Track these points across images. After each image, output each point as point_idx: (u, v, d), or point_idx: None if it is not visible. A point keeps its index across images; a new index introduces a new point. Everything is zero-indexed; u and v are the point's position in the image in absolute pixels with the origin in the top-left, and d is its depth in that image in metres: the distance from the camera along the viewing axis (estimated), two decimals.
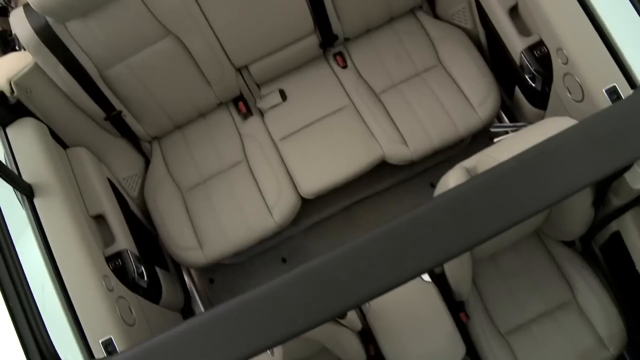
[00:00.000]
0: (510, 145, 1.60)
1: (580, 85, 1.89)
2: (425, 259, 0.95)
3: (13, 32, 2.02)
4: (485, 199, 1.00)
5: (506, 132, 2.25)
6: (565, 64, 1.94)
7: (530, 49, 2.11)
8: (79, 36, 1.97)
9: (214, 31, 2.15)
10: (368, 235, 1.00)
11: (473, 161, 1.69)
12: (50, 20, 1.89)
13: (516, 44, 2.14)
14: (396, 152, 2.32)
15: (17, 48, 2.06)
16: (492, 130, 2.09)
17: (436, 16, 2.55)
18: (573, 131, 1.12)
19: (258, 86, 2.48)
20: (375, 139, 2.32)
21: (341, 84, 2.43)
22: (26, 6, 1.90)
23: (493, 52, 2.46)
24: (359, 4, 2.31)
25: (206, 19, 2.11)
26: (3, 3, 1.98)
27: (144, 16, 1.99)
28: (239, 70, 2.38)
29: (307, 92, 2.44)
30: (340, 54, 2.48)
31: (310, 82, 2.46)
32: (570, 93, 1.97)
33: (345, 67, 2.46)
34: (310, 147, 2.36)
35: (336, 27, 2.36)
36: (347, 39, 2.47)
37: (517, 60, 2.18)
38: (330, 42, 2.41)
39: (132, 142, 2.47)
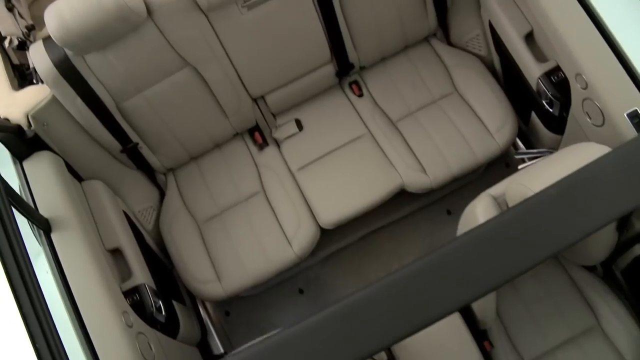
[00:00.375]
0: (541, 173, 1.57)
1: (601, 110, 1.87)
2: (470, 292, 0.92)
3: (31, 66, 2.04)
4: (528, 228, 0.98)
5: (527, 159, 2.24)
6: (585, 89, 1.93)
7: (547, 74, 2.11)
8: (98, 68, 1.98)
9: (231, 62, 2.15)
10: (406, 269, 0.97)
11: (500, 189, 1.66)
12: (69, 53, 1.90)
13: (533, 70, 2.14)
14: (415, 180, 2.30)
15: (34, 82, 2.06)
16: (517, 157, 2.08)
17: (450, 43, 2.56)
18: (611, 158, 1.10)
19: (274, 116, 2.47)
20: (394, 168, 2.30)
21: (357, 112, 2.43)
22: (46, 40, 1.92)
23: (508, 78, 2.46)
24: (375, 33, 2.32)
25: (224, 49, 2.11)
26: (22, 37, 2.00)
27: (162, 48, 2.00)
28: (255, 100, 2.38)
29: (324, 121, 2.44)
30: (356, 82, 2.48)
31: (327, 111, 2.46)
32: (590, 118, 1.95)
33: (361, 95, 2.46)
34: (328, 176, 2.34)
35: (352, 55, 2.36)
36: (362, 68, 2.47)
37: (534, 86, 2.17)
38: (346, 71, 2.42)
39: (147, 174, 2.46)
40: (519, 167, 1.87)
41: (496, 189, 1.67)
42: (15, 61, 2.14)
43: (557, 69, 2.10)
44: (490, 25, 2.31)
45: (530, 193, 1.42)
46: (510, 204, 1.63)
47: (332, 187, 2.32)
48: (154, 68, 2.05)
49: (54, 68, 1.91)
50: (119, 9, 1.79)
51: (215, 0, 1.93)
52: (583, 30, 1.89)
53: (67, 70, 1.92)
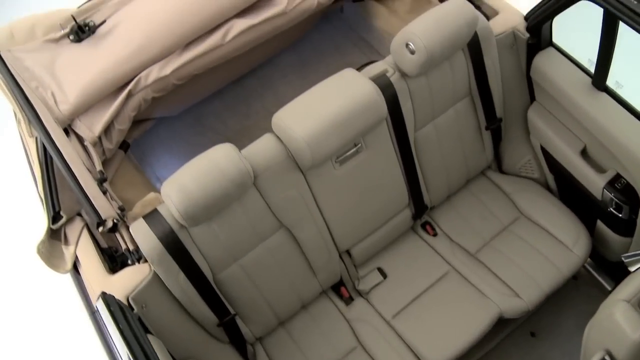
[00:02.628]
0: None
1: None
2: None
3: (123, 247, 2.04)
4: None
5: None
6: None
7: (610, 183, 2.25)
8: (201, 240, 1.99)
9: (324, 218, 2.22)
10: None
11: (629, 291, 1.66)
12: (175, 227, 1.91)
13: (597, 182, 2.28)
14: (512, 306, 2.30)
15: (129, 263, 2.09)
16: (626, 260, 2.12)
17: (502, 172, 2.74)
18: None
19: (355, 268, 2.53)
20: (488, 297, 2.32)
21: (436, 252, 2.50)
22: (147, 216, 1.94)
23: (564, 194, 2.60)
24: (443, 171, 2.48)
25: (317, 206, 2.19)
26: (117, 219, 2.06)
27: (262, 212, 2.06)
28: (340, 254, 2.46)
29: (406, 266, 2.48)
30: (428, 223, 2.59)
31: (406, 255, 2.51)
32: None
33: (435, 235, 2.55)
34: (425, 319, 2.31)
35: (425, 197, 2.50)
36: (431, 208, 2.60)
37: (599, 196, 2.30)
38: (421, 213, 2.53)
39: (238, 348, 2.42)
40: (633, 268, 1.90)
41: (625, 292, 1.68)
42: (104, 245, 2.16)
43: (618, 176, 2.25)
44: (542, 149, 2.50)
45: None
46: None
47: (432, 329, 2.29)
48: (252, 234, 2.08)
49: (160, 243, 1.90)
50: (240, 174, 1.84)
51: (318, 158, 2.01)
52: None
53: (172, 245, 1.92)
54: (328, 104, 1.97)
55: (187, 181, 1.81)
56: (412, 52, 2.00)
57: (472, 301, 2.33)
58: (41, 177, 2.13)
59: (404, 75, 2.13)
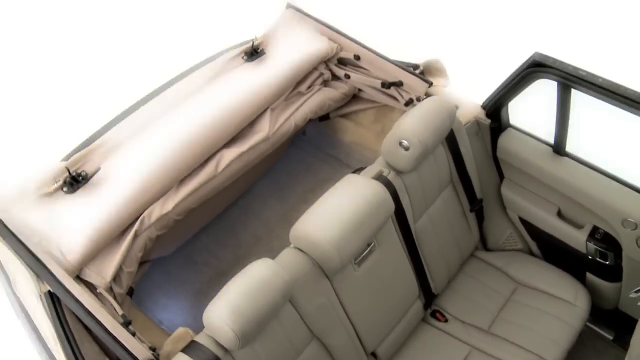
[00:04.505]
0: None
1: None
2: None
3: None
4: None
5: None
6: (635, 229, 2.30)
7: (591, 235, 2.49)
8: None
9: (351, 321, 2.25)
10: None
11: None
12: (220, 353, 1.87)
13: (578, 237, 2.51)
14: None
15: None
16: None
17: (488, 250, 2.93)
18: None
19: None
20: None
21: (453, 336, 2.55)
22: (186, 349, 1.88)
23: (549, 256, 2.80)
24: (441, 258, 2.61)
25: (345, 311, 2.22)
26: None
27: (296, 324, 2.06)
28: (367, 356, 2.44)
29: (427, 355, 2.49)
30: (437, 311, 2.67)
31: (425, 347, 2.53)
32: None
33: (446, 320, 2.62)
34: None
35: (431, 284, 2.59)
36: (436, 296, 2.69)
37: (584, 250, 2.52)
38: (430, 302, 2.61)
39: None
40: None
41: None
42: None
43: (595, 228, 2.50)
44: (521, 220, 2.73)
45: None
46: None
47: None
48: (289, 349, 2.06)
49: None
50: (284, 284, 1.88)
51: (344, 260, 2.06)
52: (610, 186, 2.35)
53: None
54: (344, 207, 2.09)
55: (237, 300, 1.81)
56: (407, 149, 2.22)
57: None
58: (57, 336, 2.04)
59: (398, 172, 2.33)
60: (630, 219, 2.31)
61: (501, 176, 2.75)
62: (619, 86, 2.04)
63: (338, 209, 2.09)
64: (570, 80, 2.10)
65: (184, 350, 1.89)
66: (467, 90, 2.75)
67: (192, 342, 1.90)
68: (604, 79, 2.07)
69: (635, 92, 2.00)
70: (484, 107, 2.59)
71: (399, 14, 5.43)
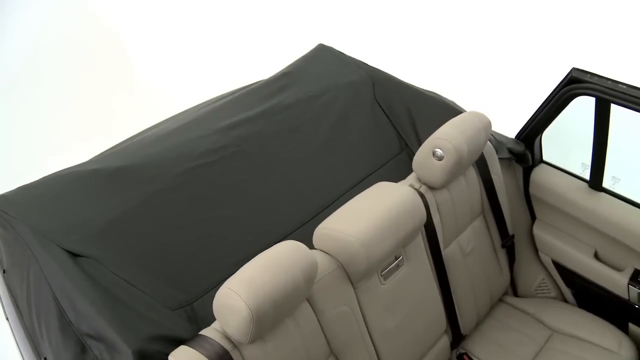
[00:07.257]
0: None
1: None
2: None
3: None
4: None
5: None
6: None
7: (633, 278, 2.33)
8: None
9: (372, 339, 2.06)
10: None
11: None
12: (228, 346, 1.65)
13: (619, 281, 2.35)
14: None
15: None
16: None
17: (518, 296, 2.74)
18: None
19: None
20: None
21: None
22: (190, 342, 1.69)
23: (585, 304, 2.61)
24: (471, 294, 2.43)
25: (367, 326, 2.04)
26: None
27: (314, 332, 1.87)
28: None
29: None
30: (465, 354, 2.45)
31: None
32: None
33: None
34: None
35: (459, 321, 2.40)
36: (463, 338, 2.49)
37: (625, 295, 2.35)
38: (458, 342, 2.41)
39: None
40: None
41: None
42: None
43: (637, 271, 2.34)
44: (555, 263, 2.58)
45: None
46: None
47: None
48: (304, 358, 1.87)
49: None
50: (310, 264, 1.71)
51: (373, 261, 1.92)
52: None
53: None
54: (376, 206, 1.97)
55: (254, 273, 1.62)
56: (440, 158, 2.14)
57: None
58: None
59: (430, 188, 2.24)
60: None
61: (533, 217, 2.64)
62: None
63: (367, 209, 1.97)
64: (609, 94, 2.05)
65: (187, 343, 1.67)
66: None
67: (198, 335, 1.69)
68: None
69: None
70: (518, 137, 2.54)
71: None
